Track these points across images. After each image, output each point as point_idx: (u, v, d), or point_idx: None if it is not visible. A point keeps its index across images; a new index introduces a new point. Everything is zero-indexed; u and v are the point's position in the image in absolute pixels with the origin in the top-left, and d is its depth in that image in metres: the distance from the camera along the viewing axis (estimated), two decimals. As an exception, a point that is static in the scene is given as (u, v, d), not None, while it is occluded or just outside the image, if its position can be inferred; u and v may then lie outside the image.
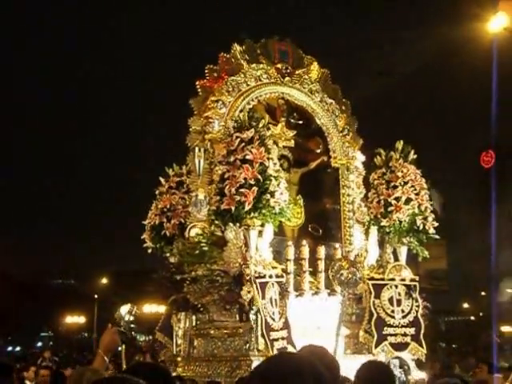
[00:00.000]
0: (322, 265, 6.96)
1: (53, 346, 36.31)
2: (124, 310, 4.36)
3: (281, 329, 6.12)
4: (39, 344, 40.31)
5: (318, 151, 7.87)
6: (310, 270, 6.94)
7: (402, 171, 7.29)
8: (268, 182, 6.20)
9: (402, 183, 7.25)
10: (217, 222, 6.41)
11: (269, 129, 6.96)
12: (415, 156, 7.50)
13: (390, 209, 7.25)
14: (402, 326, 6.93)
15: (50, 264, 44.86)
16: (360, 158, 7.98)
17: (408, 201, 7.21)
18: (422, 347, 6.97)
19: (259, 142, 6.31)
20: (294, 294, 6.65)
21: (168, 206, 7.26)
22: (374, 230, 7.35)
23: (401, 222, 7.23)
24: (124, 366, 4.46)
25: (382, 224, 7.31)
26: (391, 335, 6.86)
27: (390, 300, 7.01)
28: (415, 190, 7.27)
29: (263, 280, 6.10)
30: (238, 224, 6.23)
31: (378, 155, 7.60)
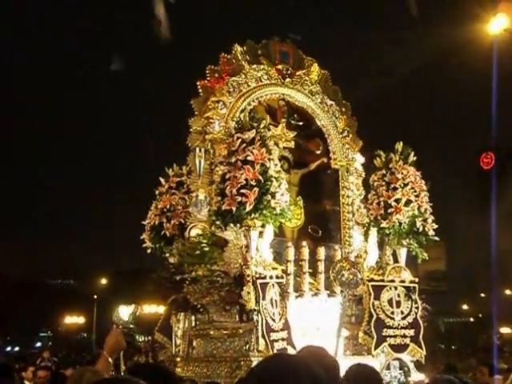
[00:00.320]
0: (321, 266, 6.97)
1: (52, 346, 36.28)
2: (124, 310, 4.34)
3: (281, 330, 6.11)
4: (38, 344, 40.33)
5: (318, 152, 7.88)
6: (310, 271, 6.95)
7: (401, 173, 7.29)
8: (269, 183, 6.21)
9: (402, 185, 7.24)
10: (217, 222, 6.41)
11: (269, 130, 6.96)
12: (415, 158, 7.51)
13: (389, 210, 7.24)
14: (402, 328, 6.92)
15: (50, 264, 44.94)
16: (360, 159, 7.99)
17: (408, 203, 7.21)
18: (422, 349, 6.96)
19: (260, 142, 6.32)
20: (294, 295, 6.65)
21: (168, 207, 7.26)
22: (373, 231, 7.35)
23: (400, 223, 7.22)
24: (122, 367, 4.43)
25: (382, 226, 7.31)
26: (391, 337, 6.86)
27: (390, 301, 7.00)
28: (415, 191, 7.26)
29: (264, 281, 6.11)
30: (238, 225, 6.23)
31: (377, 157, 7.60)
